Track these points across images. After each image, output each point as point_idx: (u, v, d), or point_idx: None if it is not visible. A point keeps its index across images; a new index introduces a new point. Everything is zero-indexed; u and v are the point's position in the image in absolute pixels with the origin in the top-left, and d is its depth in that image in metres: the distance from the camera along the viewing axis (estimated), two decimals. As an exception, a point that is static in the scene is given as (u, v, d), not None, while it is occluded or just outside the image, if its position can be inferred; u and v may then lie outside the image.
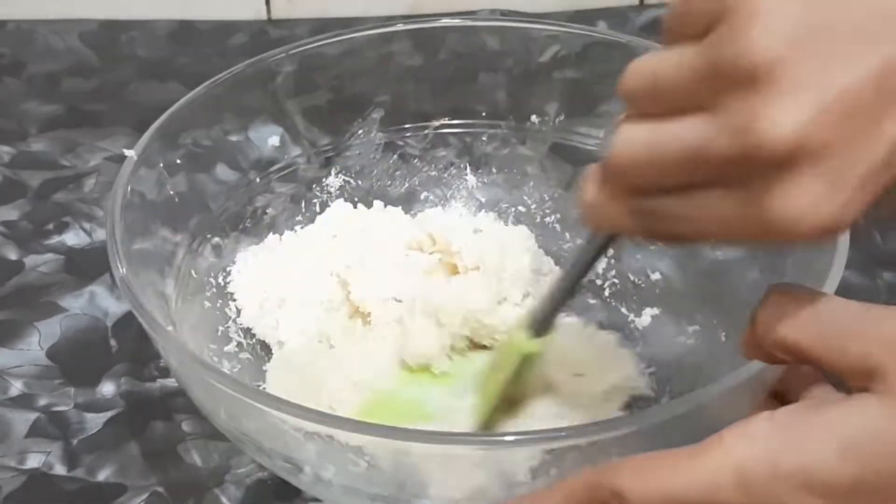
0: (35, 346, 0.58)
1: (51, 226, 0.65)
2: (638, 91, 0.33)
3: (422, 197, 0.63)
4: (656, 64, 0.33)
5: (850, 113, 0.29)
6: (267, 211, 0.59)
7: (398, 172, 0.63)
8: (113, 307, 0.60)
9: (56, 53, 0.80)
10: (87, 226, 0.65)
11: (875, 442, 0.31)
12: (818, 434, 0.32)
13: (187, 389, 0.46)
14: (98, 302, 0.60)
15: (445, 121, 0.62)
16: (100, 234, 0.65)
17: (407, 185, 0.63)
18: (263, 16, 0.84)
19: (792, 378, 0.38)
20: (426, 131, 0.62)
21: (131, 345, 0.58)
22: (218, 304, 0.55)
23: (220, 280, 0.56)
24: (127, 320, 0.59)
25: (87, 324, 0.59)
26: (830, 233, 0.31)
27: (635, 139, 0.33)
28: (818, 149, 0.30)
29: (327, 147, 0.61)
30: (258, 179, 0.59)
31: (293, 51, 0.59)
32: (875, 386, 0.32)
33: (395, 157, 0.62)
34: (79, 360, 0.57)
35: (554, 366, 0.51)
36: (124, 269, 0.46)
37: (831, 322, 0.34)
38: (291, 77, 0.59)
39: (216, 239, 0.56)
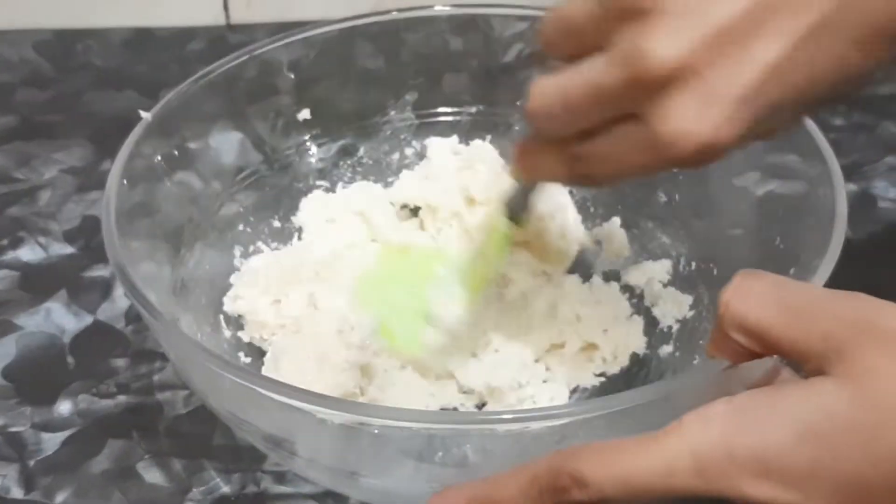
0: (-11, 365, 0.56)
1: (5, 241, 0.64)
2: (552, 37, 0.38)
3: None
4: (568, 10, 0.37)
5: (723, 40, 0.33)
6: (231, 218, 0.58)
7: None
8: (70, 324, 0.59)
9: (9, 64, 0.79)
10: (42, 240, 0.64)
11: (832, 426, 0.31)
12: (774, 418, 0.31)
13: (185, 376, 0.46)
14: (54, 319, 0.59)
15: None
16: (55, 249, 0.63)
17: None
18: (222, 21, 0.82)
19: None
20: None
21: (89, 361, 0.56)
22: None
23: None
24: (84, 336, 0.58)
25: (43, 341, 0.58)
26: (710, 150, 0.35)
27: (546, 86, 0.37)
28: (695, 71, 0.34)
29: (289, 151, 0.60)
30: (221, 187, 0.57)
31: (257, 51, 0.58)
32: (833, 369, 0.31)
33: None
34: (35, 378, 0.56)
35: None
36: (121, 259, 0.45)
37: (793, 303, 0.33)
38: (253, 82, 0.58)
39: (182, 249, 0.55)
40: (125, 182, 0.49)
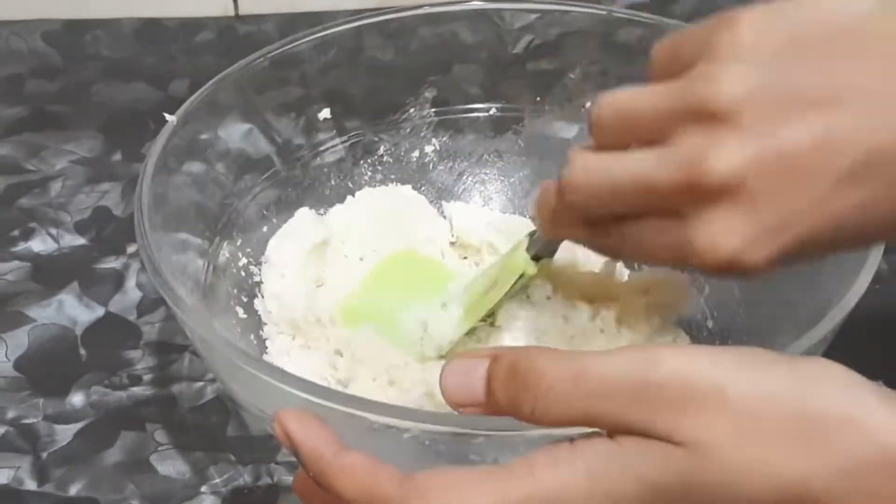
0: (2, 357, 0.56)
1: (16, 232, 0.64)
2: (609, 122, 0.36)
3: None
4: (631, 98, 0.36)
5: (782, 167, 0.33)
6: (256, 215, 0.57)
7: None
8: (82, 315, 0.59)
9: (19, 55, 0.78)
10: (53, 231, 0.64)
11: (682, 490, 0.31)
12: (625, 475, 0.32)
13: (213, 370, 0.46)
14: (66, 310, 0.59)
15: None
16: (67, 240, 0.63)
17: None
18: (231, 11, 0.82)
19: None
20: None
21: (101, 353, 0.57)
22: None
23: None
24: (96, 328, 0.58)
25: (55, 333, 0.58)
26: (734, 266, 0.34)
27: (592, 165, 0.36)
28: (748, 190, 0.33)
29: (311, 149, 0.60)
30: (244, 185, 0.57)
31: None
32: (676, 438, 0.31)
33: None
34: (47, 370, 0.56)
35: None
36: (153, 254, 0.45)
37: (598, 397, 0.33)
38: (275, 80, 0.57)
39: (211, 244, 0.54)
40: (154, 180, 0.49)
